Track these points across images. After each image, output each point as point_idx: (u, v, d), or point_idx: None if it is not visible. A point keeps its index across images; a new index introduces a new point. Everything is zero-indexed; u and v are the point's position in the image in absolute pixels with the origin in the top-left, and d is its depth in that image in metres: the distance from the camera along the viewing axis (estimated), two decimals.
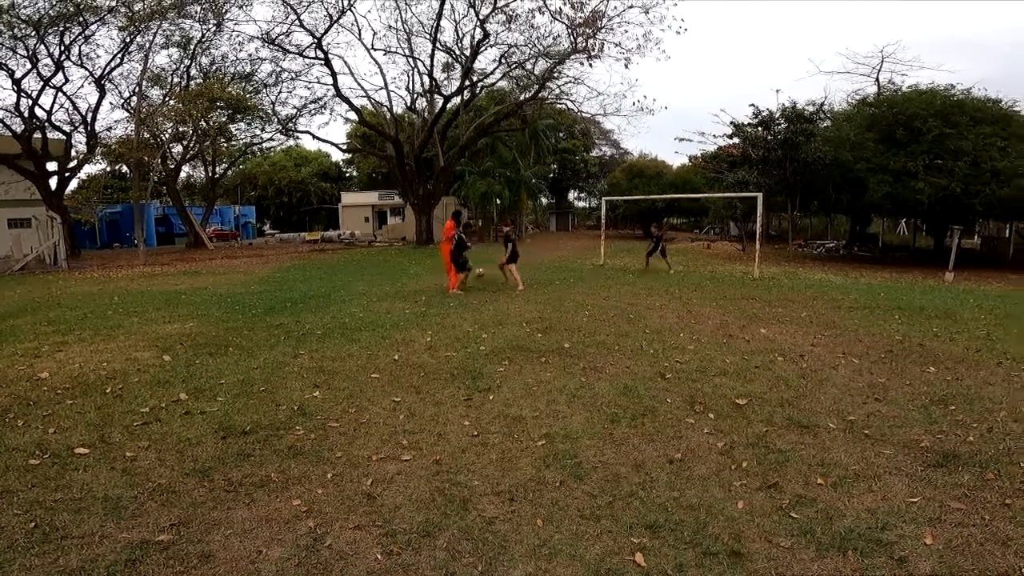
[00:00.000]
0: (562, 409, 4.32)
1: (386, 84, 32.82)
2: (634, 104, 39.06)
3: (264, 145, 35.13)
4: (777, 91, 63.96)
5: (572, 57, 24.89)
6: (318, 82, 32.91)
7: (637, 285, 11.42)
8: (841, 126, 21.26)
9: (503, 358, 5.67)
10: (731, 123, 25.12)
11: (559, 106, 31.62)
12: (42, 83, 22.41)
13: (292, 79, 27.79)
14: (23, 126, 23.01)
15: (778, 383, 4.96)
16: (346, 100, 26.47)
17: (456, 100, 27.55)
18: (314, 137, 39.96)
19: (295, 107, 29.77)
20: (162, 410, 4.24)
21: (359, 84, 41.24)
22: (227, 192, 45.19)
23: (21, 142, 22.69)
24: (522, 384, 4.90)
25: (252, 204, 48.61)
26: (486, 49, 25.96)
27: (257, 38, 25.55)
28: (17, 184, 24.02)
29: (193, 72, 26.69)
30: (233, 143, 32.21)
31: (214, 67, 26.84)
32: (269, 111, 28.30)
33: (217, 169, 34.87)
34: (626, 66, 24.53)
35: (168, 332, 6.98)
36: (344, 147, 37.25)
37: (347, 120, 36.85)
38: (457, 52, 27.08)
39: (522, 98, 28.79)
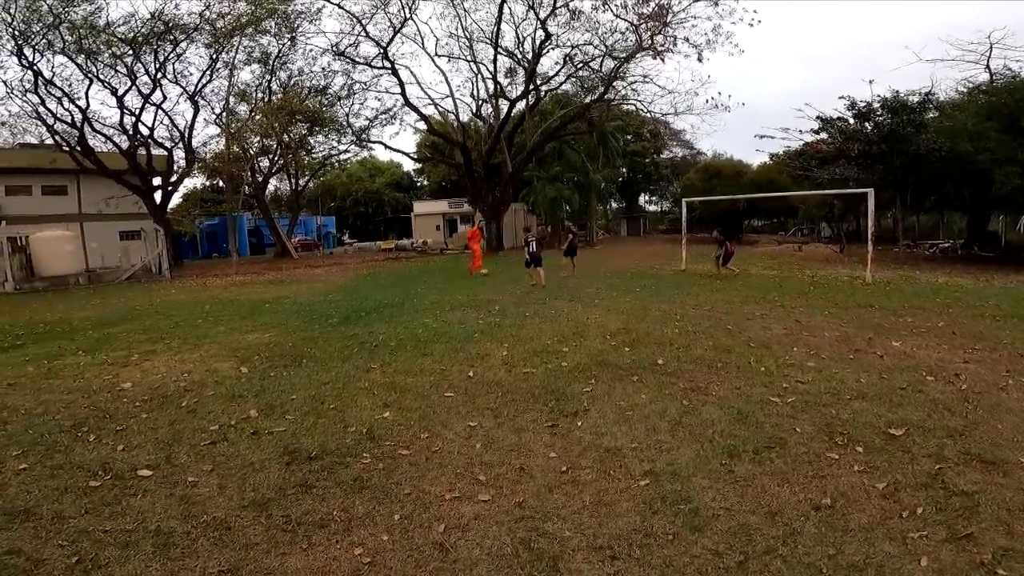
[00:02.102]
0: (665, 439, 3.65)
1: (451, 92, 33.25)
2: (707, 101, 37.08)
3: (341, 157, 36.62)
4: (871, 82, 58.53)
5: (639, 55, 23.93)
6: (387, 92, 33.94)
7: (728, 292, 10.38)
8: (954, 116, 18.88)
9: (589, 375, 5.06)
10: (818, 117, 23.04)
11: (626, 107, 30.60)
12: (142, 100, 24.38)
13: (363, 90, 28.76)
14: (128, 143, 25.13)
15: (936, 408, 4.02)
16: (414, 108, 26.97)
17: (521, 105, 27.33)
18: (386, 147, 41.56)
19: (367, 119, 30.75)
20: (231, 428, 4.01)
21: (425, 93, 42.30)
22: (309, 203, 47.60)
23: (127, 158, 24.79)
24: (613, 407, 4.26)
25: (332, 214, 50.91)
26: (549, 51, 25.58)
27: (328, 51, 26.64)
28: (126, 198, 26.37)
29: (274, 87, 28.17)
30: (313, 155, 33.78)
31: (292, 81, 28.13)
32: (344, 123, 29.43)
33: (299, 181, 36.73)
34: (699, 59, 23.00)
35: (249, 342, 6.96)
36: (414, 156, 38.11)
37: (416, 130, 37.78)
38: (519, 56, 26.88)
39: (587, 100, 28.08)
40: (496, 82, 27.35)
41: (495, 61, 26.48)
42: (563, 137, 29.88)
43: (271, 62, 26.66)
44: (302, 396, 4.65)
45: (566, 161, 31.60)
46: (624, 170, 45.14)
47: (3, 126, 25.76)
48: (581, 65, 25.68)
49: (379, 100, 38.50)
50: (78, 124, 24.05)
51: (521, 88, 27.24)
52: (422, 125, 28.63)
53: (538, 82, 26.82)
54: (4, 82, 26.95)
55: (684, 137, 46.40)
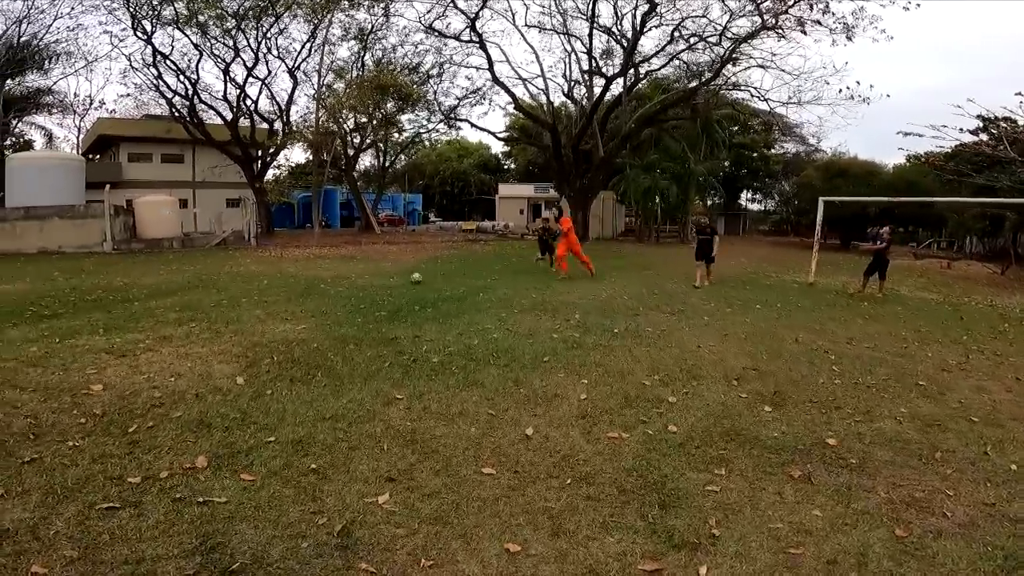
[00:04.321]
0: None
1: (543, 71, 31.32)
2: (841, 91, 32.06)
3: (432, 136, 36.41)
4: None
5: (760, 36, 20.68)
6: (476, 70, 32.81)
7: (889, 322, 7.86)
8: None
9: (713, 457, 3.25)
10: (979, 116, 18.78)
11: (738, 94, 27.16)
12: (246, 72, 24.89)
13: (454, 66, 27.94)
14: (232, 115, 25.92)
15: None
16: (502, 85, 25.59)
17: (615, 89, 25.07)
18: (472, 125, 40.24)
19: (456, 98, 30.14)
20: (156, 483, 2.68)
21: (515, 72, 40.43)
22: (398, 180, 48.18)
23: (230, 129, 25.58)
24: (764, 537, 2.46)
25: (420, 192, 51.30)
26: (652, 27, 22.90)
27: (417, 24, 25.90)
28: (231, 168, 27.38)
29: (368, 64, 28.02)
30: (402, 133, 33.77)
31: (385, 59, 27.81)
32: (433, 101, 28.86)
33: (389, 158, 36.89)
34: (849, 37, 19.28)
35: (274, 336, 5.78)
36: (501, 136, 36.92)
37: (505, 112, 36.64)
38: (617, 34, 24.48)
39: (692, 85, 25.13)
40: (592, 57, 25.20)
41: (590, 36, 24.34)
42: (662, 124, 27.16)
43: (365, 38, 26.41)
44: (284, 439, 3.24)
45: (663, 149, 28.80)
46: (726, 163, 40.98)
47: (128, 97, 27.58)
48: (692, 42, 22.80)
49: (469, 79, 37.73)
50: (189, 96, 25.13)
51: (618, 68, 24.92)
52: (511, 108, 27.31)
53: (637, 60, 24.33)
54: (128, 56, 28.90)
55: (801, 131, 41.21)
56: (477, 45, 24.32)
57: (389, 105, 28.11)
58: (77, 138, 34.20)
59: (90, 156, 32.75)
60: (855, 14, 19.60)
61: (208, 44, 23.55)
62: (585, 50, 24.95)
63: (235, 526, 2.35)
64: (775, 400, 4.22)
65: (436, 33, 24.55)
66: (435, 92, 29.02)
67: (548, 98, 26.67)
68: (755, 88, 24.04)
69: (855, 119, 40.97)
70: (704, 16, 22.03)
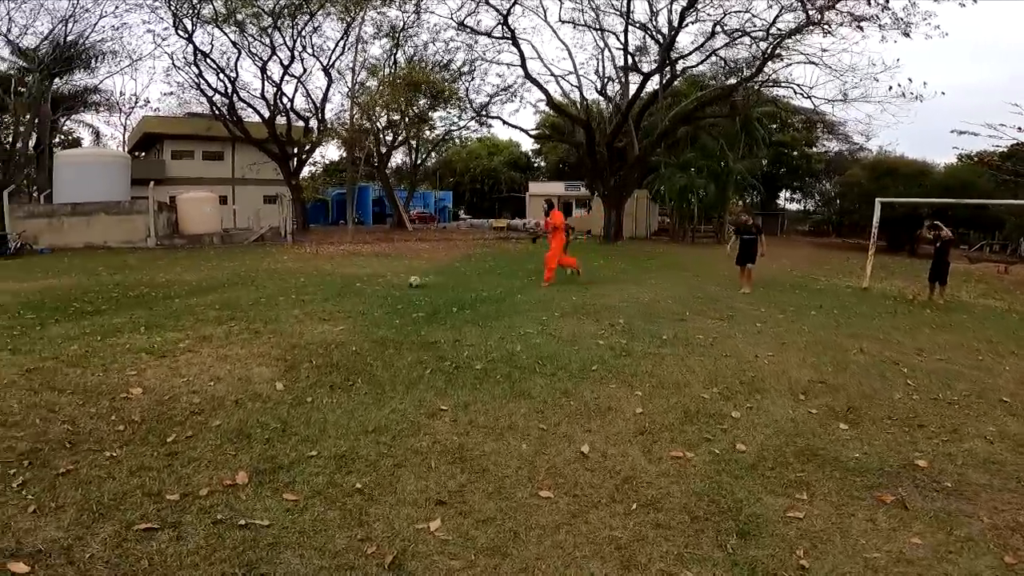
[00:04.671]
0: None
1: (575, 68, 30.93)
2: (892, 88, 30.47)
3: (462, 134, 36.49)
4: None
5: (804, 31, 19.77)
6: (507, 67, 32.66)
7: (958, 331, 7.29)
8: None
9: (789, 479, 2.94)
10: None
11: (778, 91, 26.18)
12: (282, 71, 25.21)
13: (485, 63, 27.88)
14: (269, 112, 26.35)
15: None
16: (535, 82, 25.23)
17: (650, 86, 24.47)
18: (504, 122, 40.07)
19: (487, 95, 30.02)
20: (196, 501, 2.53)
21: (547, 68, 40.12)
22: (429, 177, 48.44)
23: (268, 126, 26.00)
24: (862, 567, 2.18)
25: (450, 190, 51.44)
26: (689, 22, 22.19)
27: (448, 21, 25.93)
28: (268, 165, 27.87)
29: (400, 61, 28.13)
30: (434, 130, 33.89)
31: (416, 56, 27.84)
32: (465, 98, 28.77)
33: (420, 156, 37.05)
34: (906, 34, 18.19)
35: (313, 337, 5.67)
36: (533, 133, 36.60)
37: (536, 110, 36.35)
38: (652, 30, 23.83)
39: (731, 82, 24.33)
40: (628, 53, 24.63)
41: (625, 32, 23.80)
42: (698, 121, 26.40)
43: (397, 36, 26.52)
44: (327, 454, 3.07)
45: (700, 147, 28.00)
46: (764, 161, 39.65)
47: (171, 96, 28.38)
48: (735, 37, 22.00)
49: (500, 76, 37.77)
50: (229, 94, 25.67)
51: (654, 65, 24.30)
52: (543, 106, 27.05)
53: (674, 57, 23.66)
54: (170, 55, 29.67)
55: (845, 129, 39.51)
56: (509, 41, 24.07)
57: (421, 102, 28.23)
58: (123, 136, 35.37)
59: (136, 153, 33.83)
60: (906, 9, 18.55)
61: (246, 42, 24.02)
62: (621, 46, 24.44)
63: (279, 554, 2.18)
64: (849, 417, 3.86)
65: (467, 29, 24.38)
66: (467, 89, 28.99)
67: (581, 95, 26.22)
68: (798, 85, 23.08)
69: (906, 117, 38.86)
70: (747, 11, 21.23)
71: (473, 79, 29.06)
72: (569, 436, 3.42)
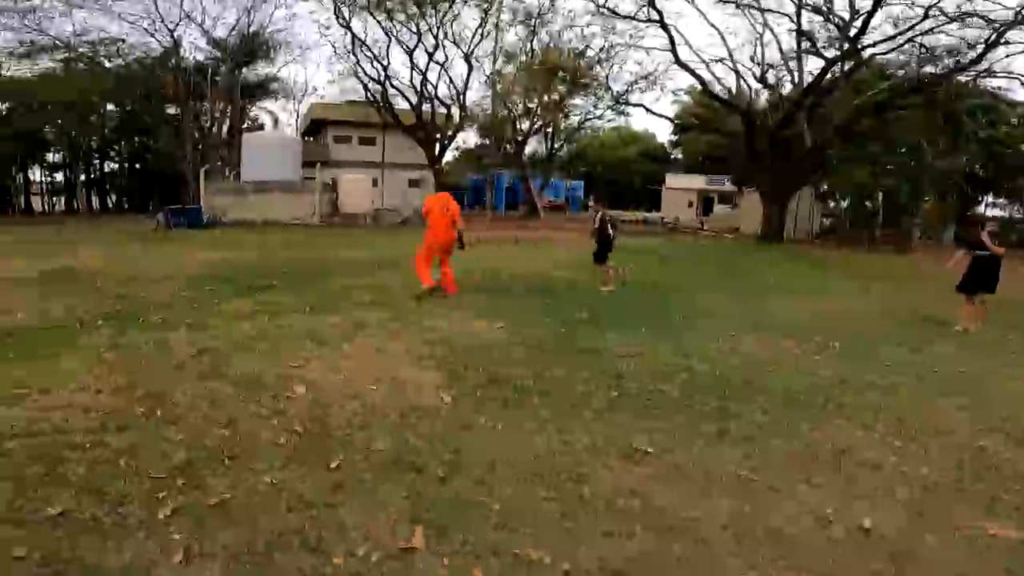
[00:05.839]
0: None
1: (730, 53, 27.67)
2: None
3: (596, 122, 35.44)
4: None
5: None
6: (646, 53, 30.53)
7: None
8: None
9: None
10: None
11: (993, 82, 21.29)
12: (427, 58, 25.97)
13: (625, 48, 26.37)
14: (417, 99, 27.43)
15: None
16: (686, 68, 23.04)
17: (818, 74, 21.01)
18: (648, 110, 37.89)
19: (626, 84, 28.62)
20: (368, 572, 1.95)
21: (697, 55, 36.85)
22: (561, 166, 47.90)
23: (415, 113, 27.12)
24: None
25: (581, 179, 50.45)
26: (883, 4, 18.46)
27: (583, 6, 24.95)
28: (412, 150, 29.21)
29: (535, 48, 27.81)
30: (569, 119, 33.20)
31: (551, 44, 27.28)
32: (603, 84, 27.50)
33: (554, 144, 36.52)
34: None
35: (469, 339, 5.14)
36: (679, 121, 33.99)
37: (676, 99, 33.87)
38: (826, 11, 20.26)
39: (928, 70, 20.10)
40: (805, 37, 21.41)
41: (799, 15, 20.61)
42: (885, 113, 22.31)
43: (533, 23, 26.12)
44: (508, 508, 2.37)
45: (887, 141, 23.69)
46: (965, 158, 32.78)
47: (333, 84, 31.06)
48: (963, 19, 17.96)
49: (639, 64, 35.86)
50: (382, 82, 27.15)
51: (830, 51, 20.91)
52: (683, 94, 24.91)
53: (859, 45, 20.02)
54: (332, 44, 32.29)
55: None
56: (657, 24, 22.17)
57: (560, 88, 27.59)
58: (296, 121, 39.46)
59: (306, 137, 37.58)
60: None
61: (394, 29, 25.17)
62: (794, 27, 21.37)
63: None
64: None
65: (608, 12, 22.89)
66: (606, 76, 27.71)
67: (738, 82, 23.68)
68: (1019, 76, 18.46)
69: None
70: None
71: (613, 66, 27.80)
72: (812, 501, 2.38)
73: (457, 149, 30.85)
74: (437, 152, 29.14)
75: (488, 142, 30.69)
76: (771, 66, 24.29)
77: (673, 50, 22.46)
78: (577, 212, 40.37)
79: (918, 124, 23.72)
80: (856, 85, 22.87)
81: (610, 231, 8.05)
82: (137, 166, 39.14)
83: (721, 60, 30.36)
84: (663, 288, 8.52)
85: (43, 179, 37.90)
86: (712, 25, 35.53)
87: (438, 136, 29.12)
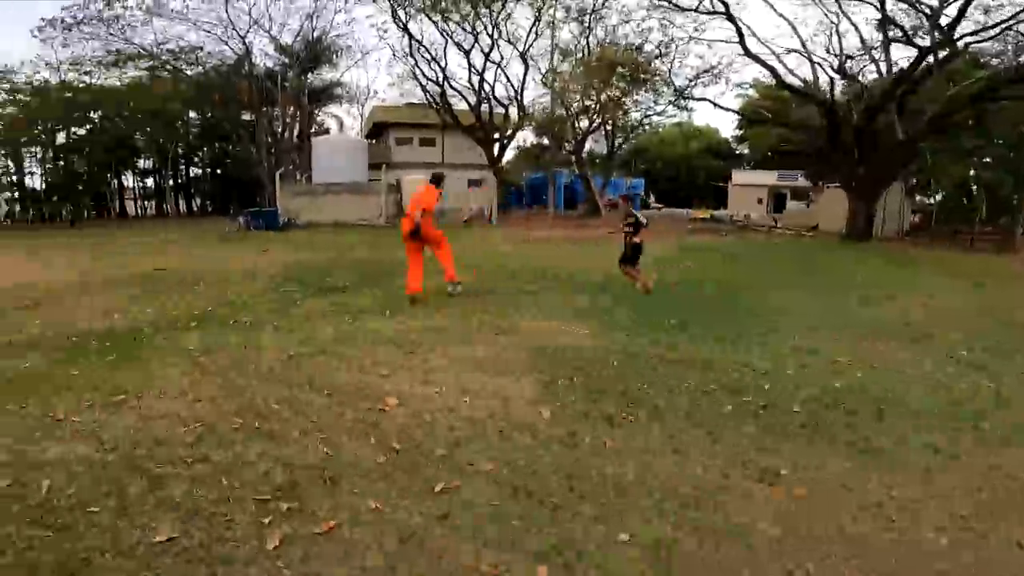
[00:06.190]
0: None
1: (803, 44, 25.79)
2: None
3: (655, 118, 34.36)
4: None
5: None
6: (708, 46, 29.14)
7: None
8: None
9: None
10: None
11: None
12: (484, 58, 25.92)
13: (685, 42, 25.16)
14: (475, 99, 27.48)
15: None
16: (757, 59, 21.71)
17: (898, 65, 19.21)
18: (715, 105, 36.04)
19: (687, 79, 27.49)
20: None
21: (765, 46, 34.76)
22: (622, 164, 46.85)
23: (474, 114, 27.21)
24: None
25: (642, 177, 49.13)
26: None
27: (643, 1, 23.82)
28: (471, 150, 29.34)
29: (591, 44, 27.21)
30: (629, 116, 32.31)
31: (607, 39, 26.64)
32: (665, 79, 26.41)
33: (614, 142, 35.68)
34: None
35: (558, 342, 4.81)
36: (749, 115, 32.19)
37: (740, 93, 32.30)
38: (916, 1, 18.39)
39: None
40: (893, 25, 19.65)
41: (882, 1, 18.85)
42: (983, 103, 20.10)
43: (588, 18, 25.59)
44: (641, 540, 2.02)
45: (981, 133, 21.39)
46: None
47: (392, 87, 31.78)
48: None
49: (700, 58, 34.48)
50: (440, 83, 27.39)
51: (924, 41, 18.99)
52: (749, 89, 23.47)
53: (955, 34, 18.07)
54: (391, 46, 33.03)
55: None
56: (722, 16, 20.99)
57: (621, 84, 26.80)
58: (360, 124, 40.65)
59: (369, 140, 38.71)
60: None
61: (450, 31, 25.28)
62: (873, 16, 19.73)
63: None
64: None
65: (669, 5, 21.84)
66: (668, 70, 26.65)
67: (815, 73, 22.14)
68: None
69: None
70: None
71: (671, 61, 26.63)
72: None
73: (518, 148, 30.63)
74: (497, 152, 29.08)
75: (547, 141, 30.25)
76: (849, 56, 22.68)
77: (741, 41, 21.27)
78: (638, 210, 39.29)
79: (1020, 115, 21.36)
80: (949, 75, 20.90)
81: (636, 237, 7.52)
82: (218, 171, 41.63)
83: (792, 51, 28.75)
84: (754, 290, 7.85)
85: (135, 184, 41.02)
86: (780, 15, 33.37)
87: (497, 136, 29.06)
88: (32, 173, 35.54)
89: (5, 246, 16.21)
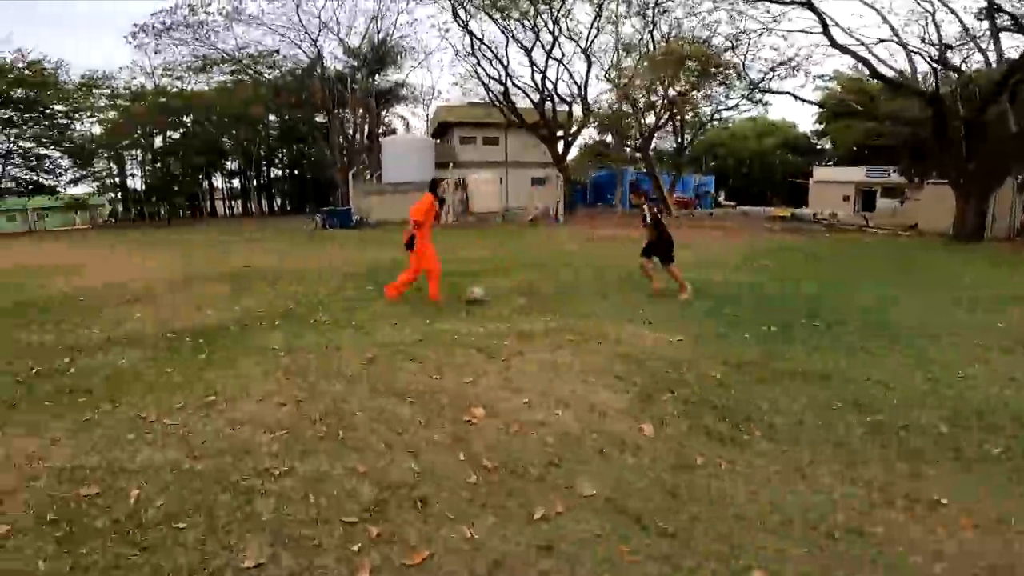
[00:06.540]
0: None
1: (896, 33, 23.44)
2: None
3: (726, 114, 32.54)
4: None
5: None
6: (783, 38, 27.22)
7: None
8: None
9: None
10: None
11: None
12: (546, 55, 25.45)
13: (759, 34, 23.47)
14: (539, 97, 27.15)
15: None
16: (845, 50, 20.02)
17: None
18: (796, 98, 33.73)
19: (760, 71, 25.71)
20: None
21: (851, 35, 31.95)
22: (690, 161, 45.11)
23: (538, 111, 26.87)
24: None
25: (712, 174, 47.01)
26: None
27: None
28: (535, 149, 29.04)
29: (656, 39, 26.23)
30: (699, 111, 30.88)
31: (672, 33, 25.59)
32: (739, 71, 24.83)
33: (683, 138, 34.27)
34: None
35: (650, 350, 4.43)
36: (835, 108, 29.84)
37: (819, 85, 30.02)
38: None
39: None
40: (997, 10, 17.51)
41: None
42: None
43: (652, 11, 24.60)
44: (783, 565, 1.67)
45: None
46: None
47: (456, 86, 32.11)
48: None
49: (775, 50, 32.22)
50: (503, 81, 27.26)
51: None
52: (829, 81, 21.66)
53: None
54: (453, 46, 33.56)
55: None
56: (803, 6, 19.51)
57: (692, 78, 25.58)
58: (426, 124, 41.47)
59: (434, 140, 39.38)
60: None
61: (511, 29, 25.03)
62: (972, 4, 17.66)
63: None
64: None
65: None
66: (742, 63, 25.12)
67: (912, 64, 20.22)
68: None
69: None
70: None
71: (747, 52, 25.05)
72: None
73: (583, 146, 30.03)
74: (561, 150, 28.62)
75: (611, 138, 29.44)
76: (948, 46, 20.50)
77: (826, 32, 19.72)
78: (710, 207, 37.61)
79: None
80: None
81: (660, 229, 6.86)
82: (295, 172, 43.86)
83: (883, 41, 26.50)
84: (860, 292, 7.06)
85: (223, 185, 43.96)
86: (868, 4, 30.69)
87: (560, 133, 28.59)
88: (133, 175, 38.91)
89: (111, 244, 17.70)
